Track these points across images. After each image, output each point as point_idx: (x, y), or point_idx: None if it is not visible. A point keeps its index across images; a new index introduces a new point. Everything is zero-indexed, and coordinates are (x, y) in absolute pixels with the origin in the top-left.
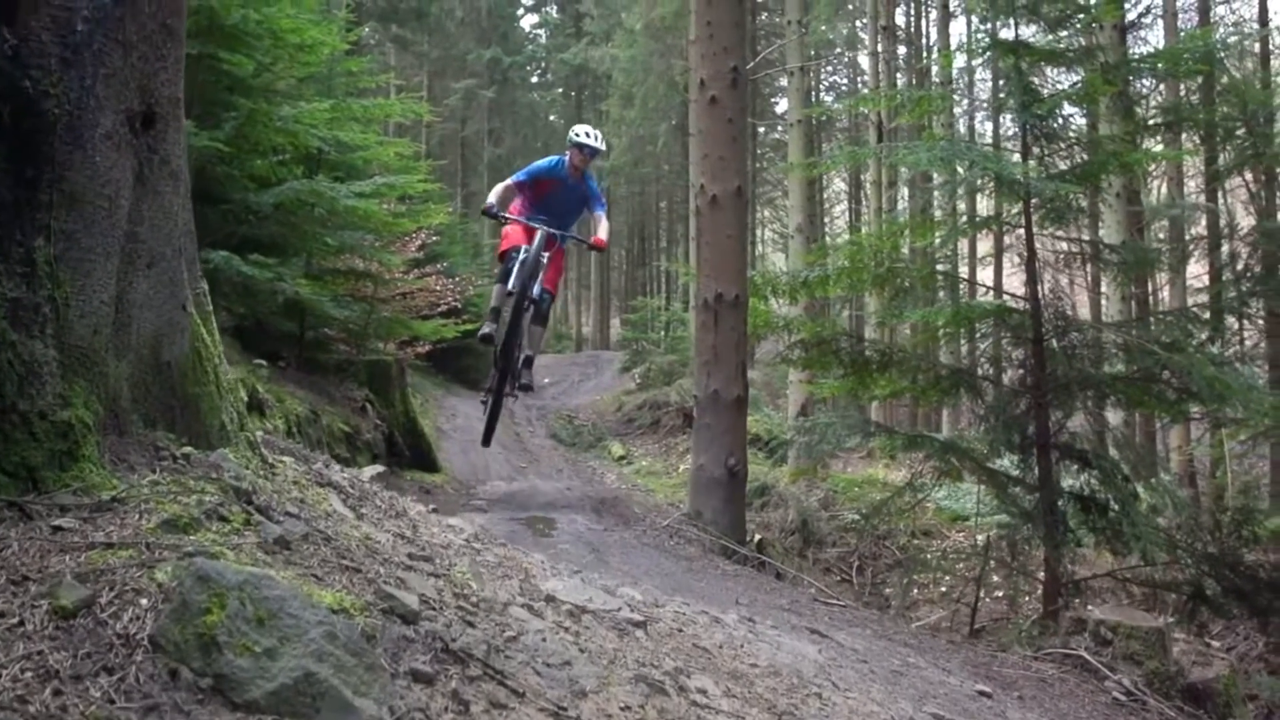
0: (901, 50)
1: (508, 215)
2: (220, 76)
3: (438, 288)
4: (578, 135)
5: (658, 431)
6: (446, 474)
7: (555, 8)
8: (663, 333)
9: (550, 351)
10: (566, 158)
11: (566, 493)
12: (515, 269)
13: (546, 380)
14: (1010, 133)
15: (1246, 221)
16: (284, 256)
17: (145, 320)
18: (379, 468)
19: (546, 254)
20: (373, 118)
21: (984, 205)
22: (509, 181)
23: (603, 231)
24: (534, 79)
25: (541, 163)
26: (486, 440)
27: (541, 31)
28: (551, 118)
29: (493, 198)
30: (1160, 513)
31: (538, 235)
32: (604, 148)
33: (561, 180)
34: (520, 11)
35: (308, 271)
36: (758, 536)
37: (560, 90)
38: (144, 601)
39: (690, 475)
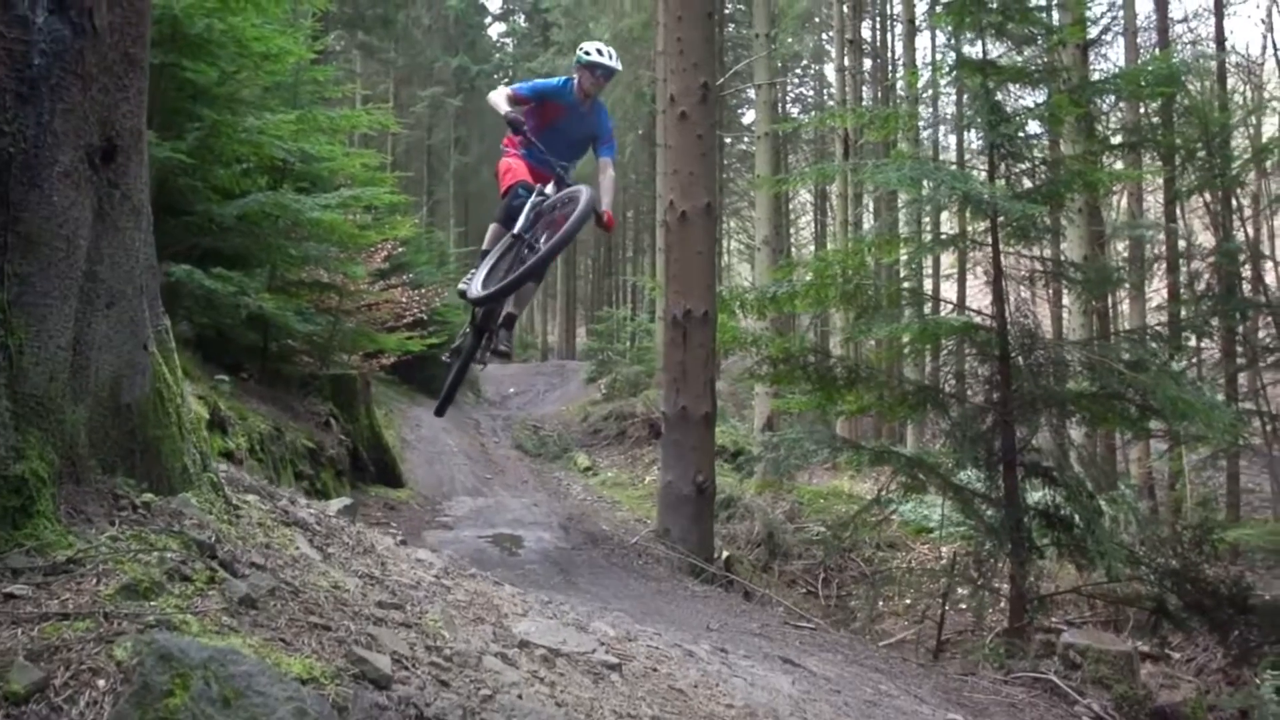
0: (867, 64)
1: (527, 132)
2: (183, 85)
3: (403, 299)
4: (588, 53)
5: (623, 442)
6: (411, 489)
7: (523, 17)
8: (629, 343)
9: (516, 360)
10: (575, 79)
11: (533, 509)
12: (526, 210)
13: (512, 389)
14: (974, 145)
15: (1205, 238)
16: (247, 268)
17: (104, 362)
18: (346, 500)
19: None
20: (339, 128)
21: (948, 221)
22: (510, 90)
23: (607, 192)
24: None
25: (547, 80)
26: (441, 409)
27: (509, 40)
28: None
29: (507, 104)
30: (1124, 528)
31: (559, 184)
32: (620, 68)
33: (569, 107)
34: (488, 20)
35: (271, 284)
36: (725, 553)
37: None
38: (102, 683)
39: (659, 492)
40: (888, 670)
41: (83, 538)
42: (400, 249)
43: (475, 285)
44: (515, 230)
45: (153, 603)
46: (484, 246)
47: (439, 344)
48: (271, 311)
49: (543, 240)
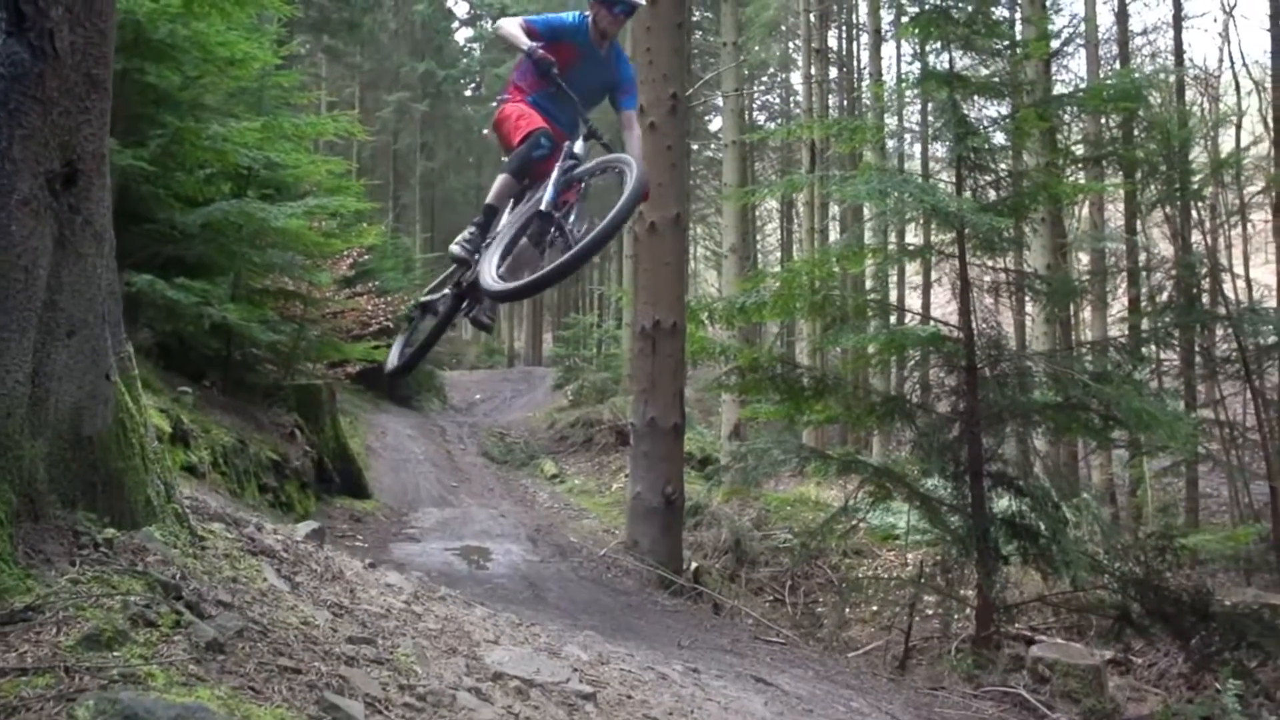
0: (834, 73)
1: (556, 75)
2: (145, 91)
3: (369, 307)
4: None
5: (590, 449)
6: (377, 500)
7: (490, 22)
8: (596, 350)
9: (482, 367)
10: (589, 17)
11: (501, 519)
12: (555, 176)
13: (478, 396)
14: (938, 155)
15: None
16: (210, 276)
17: (65, 393)
18: (313, 524)
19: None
20: (304, 135)
21: (914, 232)
22: (524, 22)
23: (636, 148)
24: (468, 93)
25: (561, 16)
26: (399, 374)
27: (476, 46)
28: (485, 132)
29: (523, 35)
30: (1088, 536)
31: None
32: (644, 1)
33: (583, 50)
34: (455, 25)
35: (235, 292)
36: (694, 564)
37: (495, 105)
38: None
39: (627, 504)
40: (858, 686)
41: (42, 580)
42: (366, 256)
43: (489, 269)
44: (542, 207)
45: (116, 653)
46: (490, 200)
47: None
48: (236, 322)
49: (573, 221)
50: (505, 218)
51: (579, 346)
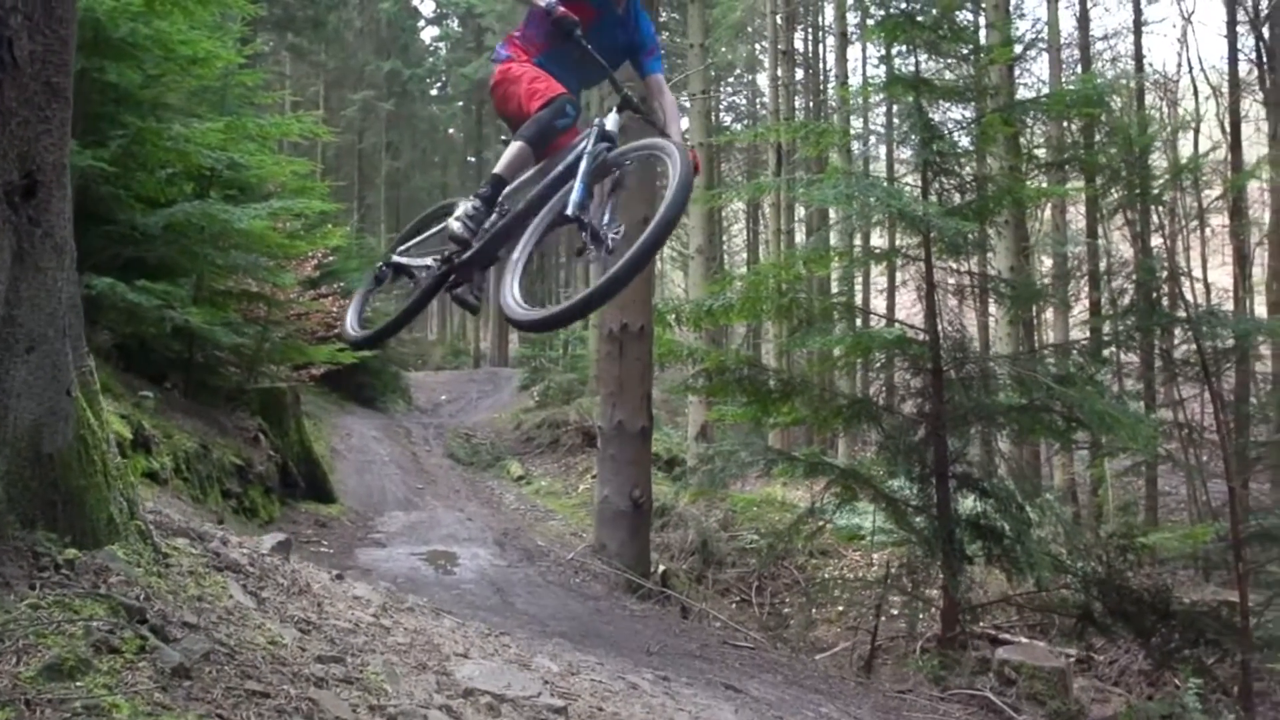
0: (800, 75)
1: (580, 35)
2: (106, 90)
3: (334, 309)
4: None
5: (557, 450)
6: (342, 503)
7: (456, 21)
8: (562, 350)
9: (448, 367)
10: None
11: (468, 523)
12: (586, 164)
13: (444, 397)
14: (903, 157)
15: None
16: (172, 278)
17: (24, 410)
18: (279, 535)
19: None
20: (268, 136)
21: (879, 235)
22: None
23: (674, 120)
24: (434, 92)
25: None
26: (366, 344)
27: (442, 45)
28: (451, 131)
29: None
30: (1052, 538)
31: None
32: None
33: (601, 9)
34: (421, 24)
35: (198, 294)
36: (661, 568)
37: (461, 104)
38: None
39: (595, 508)
40: (827, 691)
41: (1, 606)
42: (330, 257)
43: (510, 292)
44: (569, 210)
45: (79, 683)
46: (499, 170)
47: (370, 357)
48: (199, 325)
49: (609, 222)
50: (527, 231)
51: (545, 347)
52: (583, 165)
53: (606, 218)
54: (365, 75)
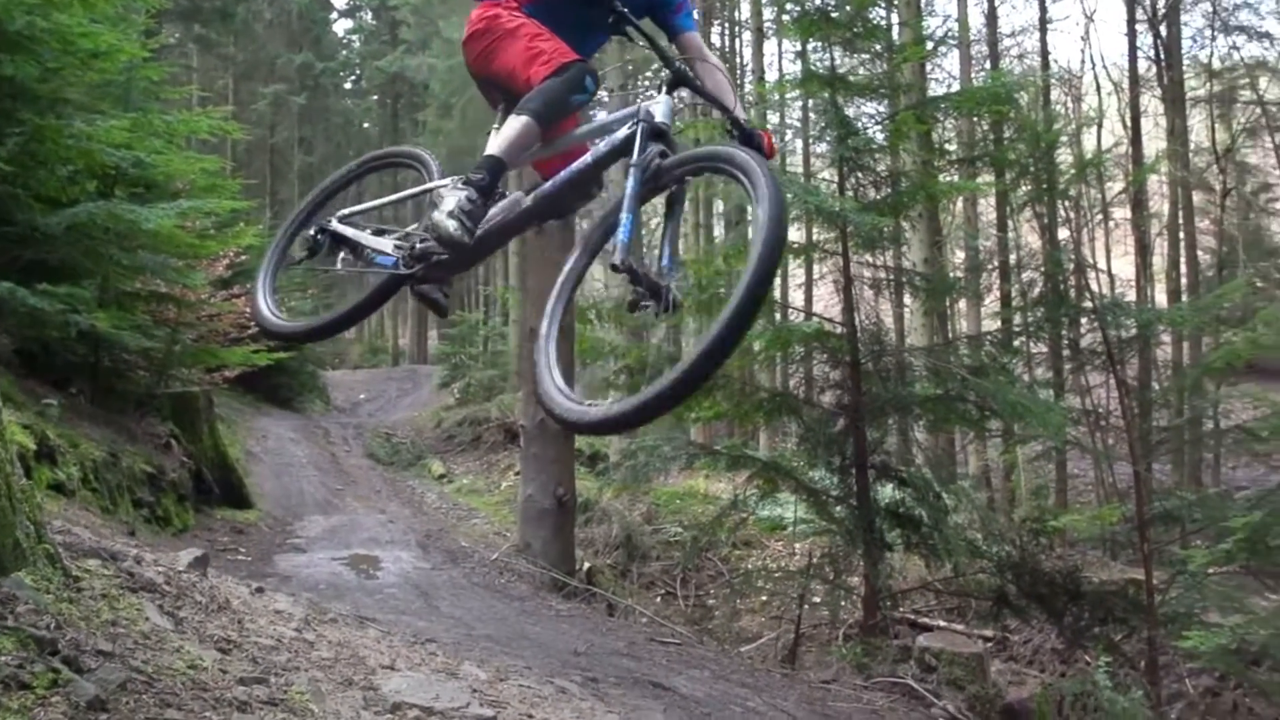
0: None
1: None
2: (1, 85)
3: (247, 309)
4: None
5: (479, 448)
6: (259, 509)
7: (370, 13)
8: (482, 347)
9: (366, 366)
10: None
11: (390, 525)
12: (634, 178)
13: (362, 396)
14: (819, 151)
15: (1034, 242)
16: (75, 280)
17: None
18: (196, 551)
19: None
20: (176, 133)
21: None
22: None
23: (727, 90)
24: (348, 86)
25: None
26: (292, 337)
27: (356, 38)
28: (366, 125)
29: None
30: (968, 524)
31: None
32: None
33: None
34: (333, 16)
35: (103, 296)
36: (587, 564)
37: (375, 98)
38: None
39: (519, 506)
40: (754, 684)
41: None
42: (243, 256)
43: (551, 381)
44: (616, 260)
45: None
46: (498, 151)
47: (287, 357)
48: (104, 329)
49: (666, 264)
50: (551, 298)
51: (465, 344)
52: (629, 184)
53: (665, 259)
54: (276, 68)
